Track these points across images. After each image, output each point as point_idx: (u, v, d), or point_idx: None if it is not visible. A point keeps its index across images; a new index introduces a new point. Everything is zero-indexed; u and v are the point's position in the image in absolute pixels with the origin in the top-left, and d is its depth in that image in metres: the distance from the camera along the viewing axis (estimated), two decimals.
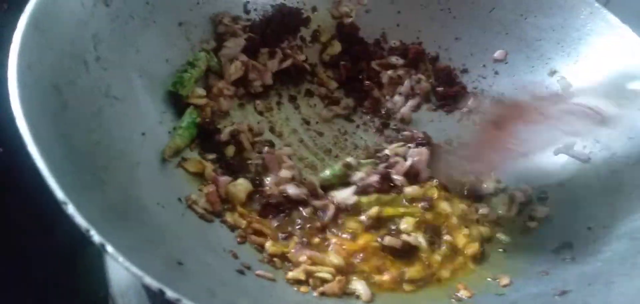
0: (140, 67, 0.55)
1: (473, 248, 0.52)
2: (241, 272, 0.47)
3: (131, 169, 0.48)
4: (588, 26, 0.63)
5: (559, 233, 0.54)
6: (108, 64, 0.51)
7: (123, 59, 0.54)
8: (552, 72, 0.65)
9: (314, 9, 0.71)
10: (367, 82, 0.68)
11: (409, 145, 0.61)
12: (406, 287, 0.49)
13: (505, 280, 0.50)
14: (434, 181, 0.57)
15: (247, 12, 0.67)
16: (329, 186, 0.57)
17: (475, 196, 0.57)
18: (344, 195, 0.55)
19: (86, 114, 0.46)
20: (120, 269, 0.38)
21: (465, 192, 0.57)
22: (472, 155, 0.53)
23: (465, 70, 0.71)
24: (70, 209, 0.32)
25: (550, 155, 0.57)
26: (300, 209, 0.54)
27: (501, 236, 0.55)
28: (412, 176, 0.58)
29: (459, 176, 0.54)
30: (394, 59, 0.71)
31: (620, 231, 0.50)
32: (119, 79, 0.52)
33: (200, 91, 0.59)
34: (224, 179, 0.54)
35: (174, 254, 0.42)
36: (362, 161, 0.60)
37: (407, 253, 0.51)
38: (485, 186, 0.57)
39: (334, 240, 0.51)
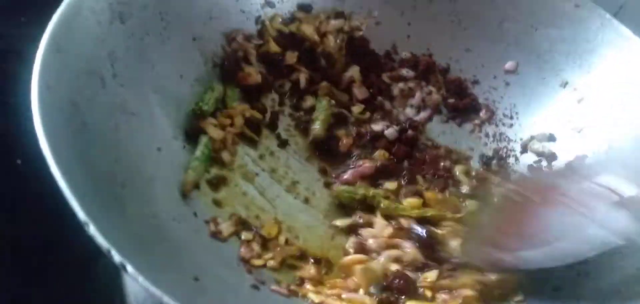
0: (156, 83, 0.56)
1: None
2: (255, 287, 0.47)
3: (147, 185, 0.49)
4: (599, 37, 0.63)
5: None
6: (124, 80, 0.52)
7: (139, 75, 0.54)
8: (564, 84, 0.65)
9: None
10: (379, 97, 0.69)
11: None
12: None
13: (518, 297, 0.49)
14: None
15: (260, 35, 0.67)
16: None
17: None
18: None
19: (104, 131, 0.47)
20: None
21: None
22: (493, 240, 0.52)
23: (476, 82, 0.71)
24: (92, 229, 0.33)
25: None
26: None
27: None
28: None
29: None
30: (405, 72, 0.71)
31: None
32: (134, 94, 0.53)
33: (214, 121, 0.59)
34: None
35: (190, 270, 0.43)
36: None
37: None
38: None
39: None
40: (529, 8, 0.67)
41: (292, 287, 0.49)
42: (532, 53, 0.67)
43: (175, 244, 0.46)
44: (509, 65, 0.69)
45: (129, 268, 0.32)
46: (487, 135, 0.68)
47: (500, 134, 0.67)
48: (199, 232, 0.50)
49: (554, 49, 0.66)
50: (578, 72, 0.64)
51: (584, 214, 0.46)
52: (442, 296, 0.49)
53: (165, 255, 0.43)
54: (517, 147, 0.66)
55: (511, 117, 0.68)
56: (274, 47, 0.67)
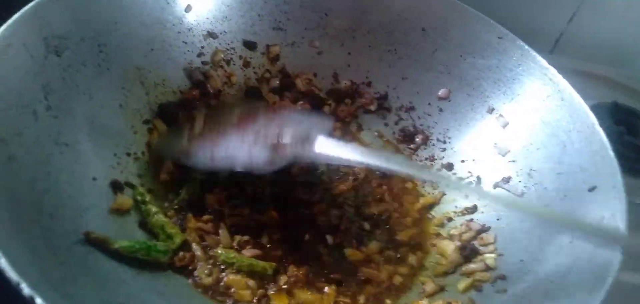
0: (93, 113, 0.56)
1: None
2: None
3: (79, 215, 0.49)
4: (520, 67, 0.67)
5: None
6: (58, 111, 0.52)
7: (74, 105, 0.55)
8: (491, 110, 0.69)
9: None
10: None
11: None
12: None
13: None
14: None
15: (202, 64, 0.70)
16: None
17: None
18: None
19: (33, 163, 0.47)
20: None
21: None
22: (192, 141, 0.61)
23: (412, 108, 0.74)
24: (3, 263, 0.34)
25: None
26: None
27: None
28: None
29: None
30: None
31: (546, 261, 0.53)
32: (69, 125, 0.53)
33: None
34: None
35: (117, 300, 0.44)
36: None
37: None
38: None
39: None
40: (458, 39, 0.71)
41: None
42: (462, 81, 0.71)
43: (103, 274, 0.46)
44: (442, 92, 0.72)
45: (38, 301, 0.33)
46: (421, 159, 0.71)
47: (434, 157, 0.71)
48: (131, 261, 0.50)
49: (481, 76, 0.70)
50: (503, 99, 0.68)
51: (246, 141, 0.57)
52: None
53: (90, 285, 0.43)
54: (448, 173, 0.69)
55: (444, 142, 0.71)
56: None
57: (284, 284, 0.54)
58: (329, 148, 0.55)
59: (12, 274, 0.34)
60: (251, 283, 0.53)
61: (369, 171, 0.68)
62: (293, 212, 0.62)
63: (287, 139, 0.56)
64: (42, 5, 0.53)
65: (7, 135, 0.46)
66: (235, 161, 0.56)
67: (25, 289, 0.33)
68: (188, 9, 0.69)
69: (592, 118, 0.59)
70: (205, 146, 0.58)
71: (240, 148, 0.57)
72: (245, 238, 0.57)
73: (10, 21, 0.50)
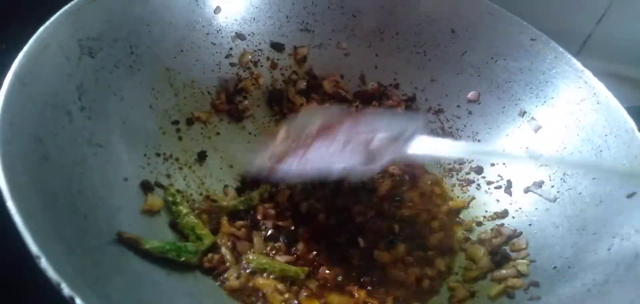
0: (124, 114, 0.57)
1: None
2: None
3: (112, 216, 0.50)
4: (554, 70, 0.66)
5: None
6: (92, 112, 0.53)
7: (107, 106, 0.56)
8: (522, 113, 0.67)
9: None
10: None
11: None
12: None
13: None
14: None
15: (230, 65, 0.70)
16: None
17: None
18: None
19: (68, 163, 0.48)
20: None
21: None
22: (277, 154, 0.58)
23: (440, 110, 0.73)
24: (43, 263, 0.34)
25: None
26: None
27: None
28: None
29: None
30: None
31: (583, 269, 0.51)
32: (102, 126, 0.54)
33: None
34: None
35: (150, 301, 0.44)
36: None
37: None
38: None
39: None
40: (489, 40, 0.70)
41: None
42: (492, 83, 0.70)
43: (136, 275, 0.47)
44: (471, 94, 0.71)
45: (78, 301, 0.33)
46: (449, 161, 0.70)
47: (462, 159, 0.70)
48: (162, 262, 0.51)
49: (512, 79, 0.68)
50: (535, 102, 0.67)
51: (336, 147, 0.54)
52: None
53: (124, 286, 0.44)
54: (478, 177, 0.68)
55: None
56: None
57: (314, 288, 0.54)
58: (428, 146, 0.53)
59: (52, 274, 0.34)
60: (281, 286, 0.53)
61: (401, 173, 0.67)
62: (335, 216, 0.62)
63: (381, 141, 0.54)
64: (77, 7, 0.54)
65: (44, 135, 0.46)
66: (330, 170, 0.53)
67: (65, 290, 0.34)
68: (217, 10, 0.69)
69: (631, 123, 0.57)
70: (293, 159, 0.56)
71: (332, 156, 0.54)
72: (279, 244, 0.58)
73: (47, 23, 0.51)
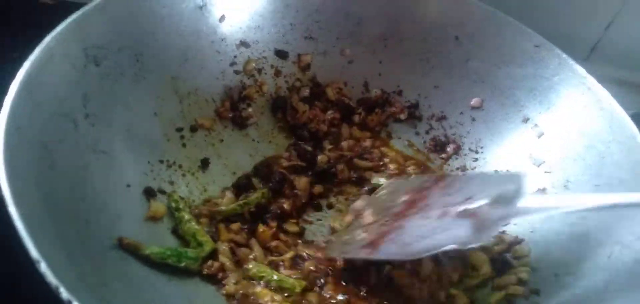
0: (129, 121, 0.58)
1: None
2: None
3: (113, 222, 0.50)
4: (558, 76, 0.65)
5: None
6: (96, 120, 0.54)
7: (111, 114, 0.56)
8: (526, 120, 0.67)
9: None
10: None
11: None
12: None
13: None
14: None
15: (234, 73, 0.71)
16: None
17: None
18: None
19: (72, 170, 0.49)
20: None
21: None
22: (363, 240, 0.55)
23: (443, 117, 0.73)
24: (43, 267, 0.35)
25: None
26: None
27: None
28: None
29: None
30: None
31: (583, 277, 0.51)
32: (106, 133, 0.55)
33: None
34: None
35: None
36: None
37: None
38: None
39: None
40: (492, 47, 0.70)
41: None
42: (496, 90, 0.70)
43: (136, 280, 0.47)
44: (474, 101, 0.71)
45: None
46: (452, 169, 0.70)
47: (465, 166, 0.69)
48: (162, 268, 0.51)
49: (516, 86, 0.68)
50: (538, 109, 0.66)
51: (435, 220, 0.51)
52: None
53: (124, 291, 0.45)
54: None
55: (476, 152, 0.70)
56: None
57: (315, 302, 0.54)
58: (535, 203, 0.50)
59: (51, 278, 0.35)
60: (278, 297, 0.53)
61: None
62: None
63: (483, 204, 0.49)
64: (83, 16, 0.55)
65: (49, 141, 0.47)
66: (434, 243, 0.49)
67: (64, 293, 0.34)
68: (222, 18, 0.70)
69: (634, 129, 0.57)
70: (391, 242, 0.52)
71: (435, 231, 0.50)
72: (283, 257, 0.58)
73: (53, 32, 0.52)
